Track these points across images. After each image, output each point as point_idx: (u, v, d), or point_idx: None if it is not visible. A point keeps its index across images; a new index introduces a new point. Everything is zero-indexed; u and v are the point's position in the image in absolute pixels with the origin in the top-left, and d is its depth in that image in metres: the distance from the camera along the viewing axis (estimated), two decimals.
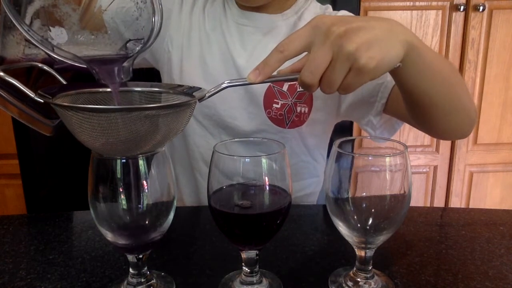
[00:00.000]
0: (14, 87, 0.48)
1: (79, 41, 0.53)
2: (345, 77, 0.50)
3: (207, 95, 0.53)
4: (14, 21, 0.46)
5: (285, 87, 0.80)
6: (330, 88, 0.51)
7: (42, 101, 0.46)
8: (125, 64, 0.53)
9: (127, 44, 0.54)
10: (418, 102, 0.62)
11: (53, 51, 0.50)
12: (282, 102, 0.80)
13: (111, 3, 0.57)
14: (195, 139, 0.86)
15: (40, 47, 0.49)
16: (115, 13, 0.57)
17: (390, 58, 0.50)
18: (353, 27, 0.48)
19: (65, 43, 0.51)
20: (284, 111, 0.81)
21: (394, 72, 0.57)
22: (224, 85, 0.53)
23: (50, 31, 0.50)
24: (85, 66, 0.51)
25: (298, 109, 0.81)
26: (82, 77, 0.55)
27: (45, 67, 0.55)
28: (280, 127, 0.82)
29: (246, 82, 0.52)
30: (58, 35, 0.51)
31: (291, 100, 0.80)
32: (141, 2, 0.55)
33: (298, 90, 0.80)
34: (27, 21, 0.50)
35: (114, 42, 0.55)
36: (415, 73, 0.56)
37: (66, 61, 0.51)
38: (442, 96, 0.61)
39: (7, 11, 0.46)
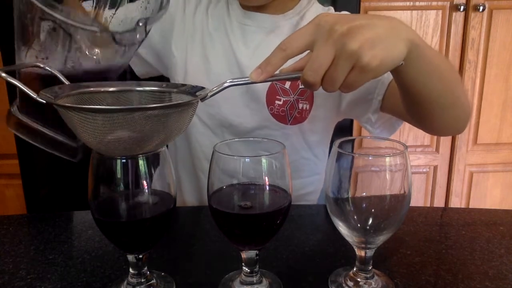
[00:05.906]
0: (16, 88, 0.48)
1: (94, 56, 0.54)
2: (347, 76, 0.50)
3: (209, 94, 0.52)
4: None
5: (287, 84, 0.81)
6: (332, 87, 0.51)
7: (44, 101, 0.46)
8: (140, 23, 0.53)
9: (139, 22, 0.55)
10: (416, 98, 0.63)
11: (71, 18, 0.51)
12: (284, 99, 0.81)
13: (116, 10, 0.58)
14: (198, 138, 0.87)
15: (58, 16, 0.50)
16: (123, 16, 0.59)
17: (393, 56, 0.50)
18: (356, 25, 0.48)
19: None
20: (286, 107, 0.81)
21: (395, 70, 0.57)
22: (226, 84, 0.53)
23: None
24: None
25: (300, 105, 0.82)
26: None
27: (47, 68, 0.55)
28: (282, 123, 0.83)
29: (248, 81, 0.52)
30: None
31: (293, 97, 0.81)
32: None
33: (300, 87, 0.81)
34: (42, 37, 0.52)
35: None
36: (416, 70, 0.56)
37: (87, 28, 0.53)
38: (440, 92, 0.62)
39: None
